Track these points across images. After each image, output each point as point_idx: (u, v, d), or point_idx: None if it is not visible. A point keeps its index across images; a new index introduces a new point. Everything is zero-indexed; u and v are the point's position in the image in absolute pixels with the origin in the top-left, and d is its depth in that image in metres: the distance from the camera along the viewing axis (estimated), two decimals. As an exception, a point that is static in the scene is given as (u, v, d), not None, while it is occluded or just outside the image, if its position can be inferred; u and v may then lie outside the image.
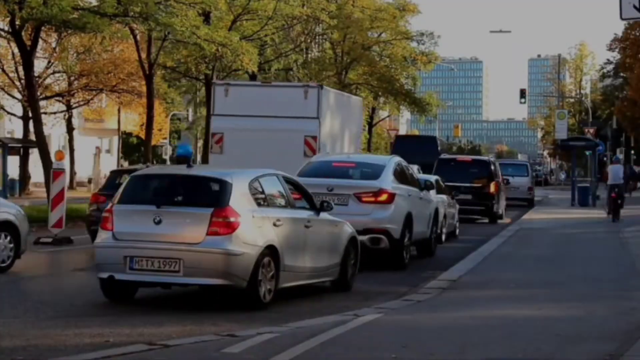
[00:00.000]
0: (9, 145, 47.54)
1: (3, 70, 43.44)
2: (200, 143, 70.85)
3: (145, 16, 27.41)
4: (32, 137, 37.32)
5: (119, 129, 60.33)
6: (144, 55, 36.38)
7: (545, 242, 21.93)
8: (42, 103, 39.91)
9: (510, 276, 14.65)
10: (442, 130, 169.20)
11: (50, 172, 21.20)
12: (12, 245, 14.48)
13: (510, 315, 10.59)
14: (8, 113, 45.72)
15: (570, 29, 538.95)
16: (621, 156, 52.82)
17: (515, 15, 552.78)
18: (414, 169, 21.34)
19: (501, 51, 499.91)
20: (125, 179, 12.46)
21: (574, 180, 44.13)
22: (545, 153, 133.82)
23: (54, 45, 43.19)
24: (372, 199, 15.68)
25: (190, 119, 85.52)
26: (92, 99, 49.31)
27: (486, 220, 30.65)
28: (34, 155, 40.40)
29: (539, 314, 10.65)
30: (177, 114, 79.66)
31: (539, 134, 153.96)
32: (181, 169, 12.09)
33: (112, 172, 20.33)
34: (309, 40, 56.75)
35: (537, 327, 9.59)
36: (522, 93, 69.48)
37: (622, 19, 13.67)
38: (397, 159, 17.48)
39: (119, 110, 56.85)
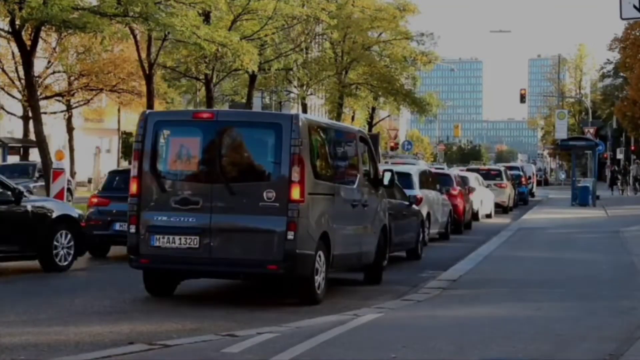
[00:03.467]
0: (9, 145, 47.62)
1: (3, 70, 43.41)
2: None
3: (145, 16, 27.39)
4: (32, 137, 37.28)
5: (119, 128, 60.32)
6: (144, 55, 36.35)
7: (545, 241, 21.93)
8: (42, 103, 39.86)
9: (510, 276, 14.65)
10: (442, 130, 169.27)
11: (50, 172, 21.17)
12: None
13: (510, 315, 10.59)
14: (8, 113, 45.70)
15: (570, 29, 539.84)
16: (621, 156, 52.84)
17: (515, 15, 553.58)
18: None
19: (501, 51, 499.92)
20: None
21: (574, 180, 44.13)
22: (545, 153, 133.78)
23: (54, 45, 43.15)
24: None
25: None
26: (92, 98, 49.27)
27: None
28: (34, 155, 40.38)
29: (539, 314, 10.65)
30: (177, 114, 79.62)
31: (539, 134, 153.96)
32: None
33: (111, 173, 19.34)
34: (309, 40, 56.70)
35: (537, 327, 9.58)
36: (522, 97, 69.45)
37: (622, 18, 13.71)
38: None
39: (119, 110, 56.84)
